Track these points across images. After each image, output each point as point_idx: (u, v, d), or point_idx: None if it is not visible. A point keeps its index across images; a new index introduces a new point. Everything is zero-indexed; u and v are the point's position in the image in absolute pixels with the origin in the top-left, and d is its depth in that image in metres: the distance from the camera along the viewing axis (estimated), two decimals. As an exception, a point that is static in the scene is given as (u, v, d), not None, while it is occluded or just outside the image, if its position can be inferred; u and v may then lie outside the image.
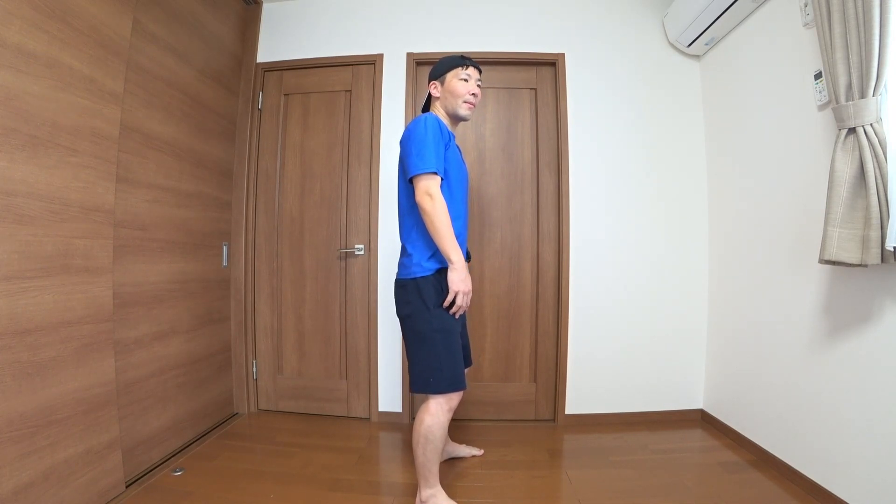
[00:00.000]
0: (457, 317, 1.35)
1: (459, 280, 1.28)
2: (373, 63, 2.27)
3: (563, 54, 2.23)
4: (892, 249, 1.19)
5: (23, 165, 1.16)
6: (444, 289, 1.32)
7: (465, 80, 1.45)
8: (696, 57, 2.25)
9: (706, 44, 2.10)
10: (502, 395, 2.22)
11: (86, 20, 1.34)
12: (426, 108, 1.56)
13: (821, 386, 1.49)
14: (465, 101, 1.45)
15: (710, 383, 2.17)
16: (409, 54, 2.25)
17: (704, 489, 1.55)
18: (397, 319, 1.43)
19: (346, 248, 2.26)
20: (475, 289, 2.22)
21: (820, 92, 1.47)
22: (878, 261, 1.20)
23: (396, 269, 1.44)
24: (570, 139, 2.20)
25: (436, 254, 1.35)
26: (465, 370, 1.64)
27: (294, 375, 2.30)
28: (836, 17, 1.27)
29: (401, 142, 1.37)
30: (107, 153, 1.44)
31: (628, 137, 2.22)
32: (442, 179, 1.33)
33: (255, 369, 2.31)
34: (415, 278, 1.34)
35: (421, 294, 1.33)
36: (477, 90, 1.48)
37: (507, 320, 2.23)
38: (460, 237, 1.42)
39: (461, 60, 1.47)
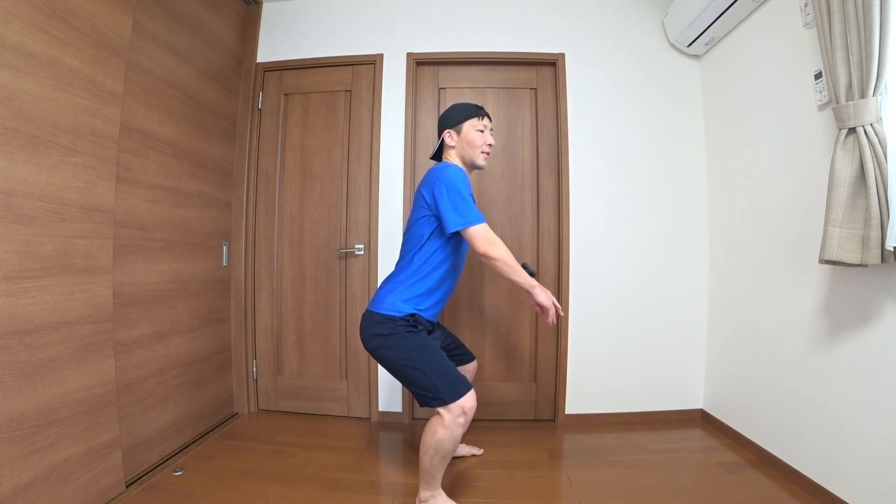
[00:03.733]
0: (551, 320, 1.38)
1: (547, 297, 1.36)
2: (373, 63, 2.27)
3: (563, 54, 2.23)
4: (892, 249, 1.19)
5: (23, 165, 1.16)
6: (412, 326, 1.36)
7: (482, 131, 1.49)
8: (697, 57, 2.25)
9: (706, 44, 2.10)
10: (502, 395, 2.22)
11: (86, 20, 1.34)
12: (438, 154, 1.57)
13: (821, 386, 1.49)
14: (483, 152, 1.50)
15: (710, 383, 2.17)
16: (409, 54, 2.25)
17: (704, 489, 1.55)
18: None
19: (346, 248, 2.26)
20: (476, 288, 2.22)
21: (820, 92, 1.47)
22: (878, 261, 1.20)
23: (371, 300, 1.45)
24: (570, 139, 2.20)
25: (411, 300, 1.38)
26: (471, 364, 1.66)
27: (294, 375, 2.29)
28: (836, 17, 1.27)
29: (429, 185, 1.38)
30: (107, 153, 1.44)
31: (628, 137, 2.22)
32: (456, 234, 1.37)
33: (255, 369, 2.30)
34: (388, 315, 1.36)
35: (389, 329, 1.35)
36: (492, 140, 1.52)
37: (508, 320, 2.23)
38: (444, 299, 1.48)
39: (476, 110, 1.50)
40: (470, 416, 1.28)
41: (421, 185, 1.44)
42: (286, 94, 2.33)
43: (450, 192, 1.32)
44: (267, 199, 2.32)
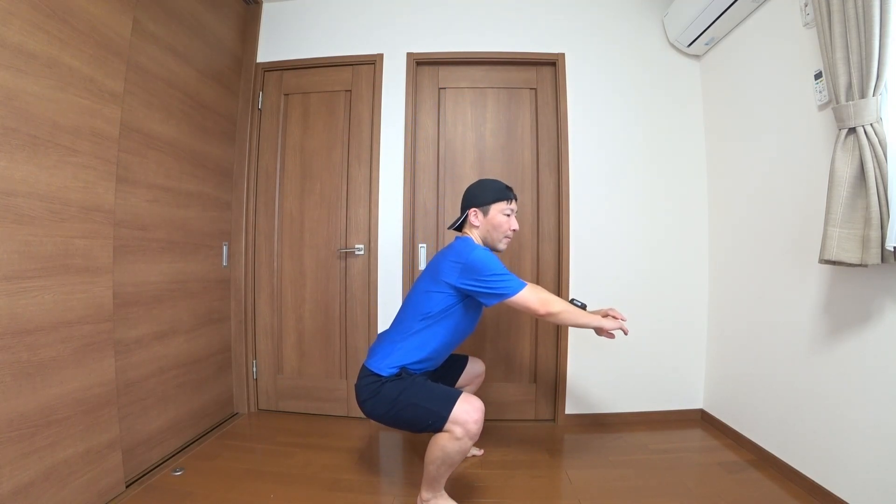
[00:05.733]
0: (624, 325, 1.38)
1: (615, 323, 1.36)
2: (373, 63, 2.27)
3: (563, 54, 2.23)
4: (892, 249, 1.19)
5: (23, 165, 1.16)
6: (396, 376, 1.36)
7: (508, 216, 1.47)
8: (697, 57, 2.25)
9: (706, 44, 2.10)
10: (502, 396, 2.22)
11: (86, 20, 1.34)
12: (460, 227, 1.55)
13: (821, 386, 1.49)
14: (506, 236, 1.49)
15: (710, 383, 2.17)
16: (409, 54, 2.25)
17: (704, 489, 1.55)
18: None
19: (346, 248, 2.26)
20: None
21: (820, 92, 1.47)
22: (878, 261, 1.20)
23: (368, 353, 1.47)
24: (570, 139, 2.20)
25: (402, 365, 1.38)
26: (469, 364, 1.68)
27: (294, 375, 2.29)
28: (836, 17, 1.27)
29: (454, 267, 1.36)
30: (107, 153, 1.44)
31: (628, 137, 2.22)
32: (469, 299, 1.37)
33: (255, 369, 2.30)
34: (376, 373, 1.37)
35: (373, 390, 1.35)
36: (517, 225, 1.50)
37: (507, 321, 2.23)
38: (441, 359, 1.48)
39: (507, 193, 1.48)
40: (480, 426, 1.24)
41: (441, 259, 1.41)
42: (286, 94, 2.33)
43: (486, 276, 1.31)
44: (267, 199, 2.32)
